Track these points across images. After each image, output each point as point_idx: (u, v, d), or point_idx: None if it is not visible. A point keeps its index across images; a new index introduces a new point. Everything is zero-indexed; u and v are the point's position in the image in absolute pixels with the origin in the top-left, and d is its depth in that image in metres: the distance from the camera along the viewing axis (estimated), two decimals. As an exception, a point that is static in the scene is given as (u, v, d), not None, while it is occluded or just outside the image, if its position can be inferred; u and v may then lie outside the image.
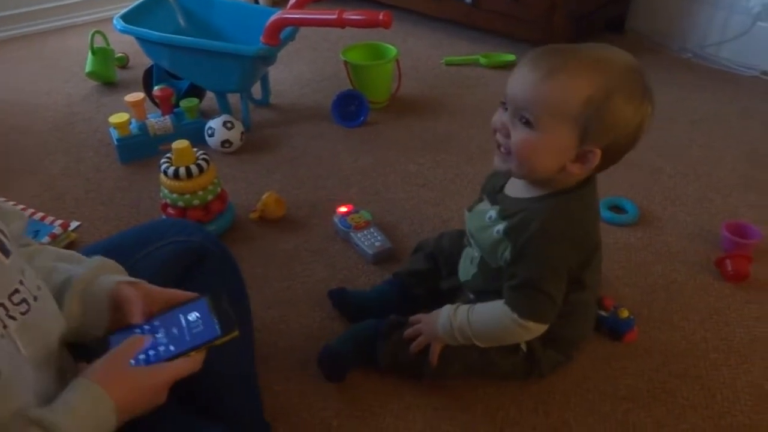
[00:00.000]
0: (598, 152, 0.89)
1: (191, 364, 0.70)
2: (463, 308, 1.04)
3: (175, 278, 0.90)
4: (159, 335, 0.72)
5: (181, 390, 0.86)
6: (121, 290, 0.75)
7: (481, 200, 1.09)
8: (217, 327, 0.71)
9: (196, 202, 1.39)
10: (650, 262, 1.39)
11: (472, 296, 1.11)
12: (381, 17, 1.56)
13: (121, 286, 0.75)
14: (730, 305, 1.28)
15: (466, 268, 1.11)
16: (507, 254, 0.97)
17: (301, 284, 1.34)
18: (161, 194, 1.42)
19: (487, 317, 1.01)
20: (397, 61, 1.99)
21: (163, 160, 1.40)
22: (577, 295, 1.02)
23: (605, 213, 1.50)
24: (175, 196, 1.39)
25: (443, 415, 1.07)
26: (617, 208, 1.54)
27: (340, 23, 1.60)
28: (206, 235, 0.98)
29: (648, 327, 1.22)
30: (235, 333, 0.71)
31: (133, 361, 0.68)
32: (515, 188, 1.02)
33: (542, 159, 0.92)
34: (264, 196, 1.51)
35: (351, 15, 1.59)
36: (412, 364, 1.08)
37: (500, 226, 0.97)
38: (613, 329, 1.19)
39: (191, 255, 0.93)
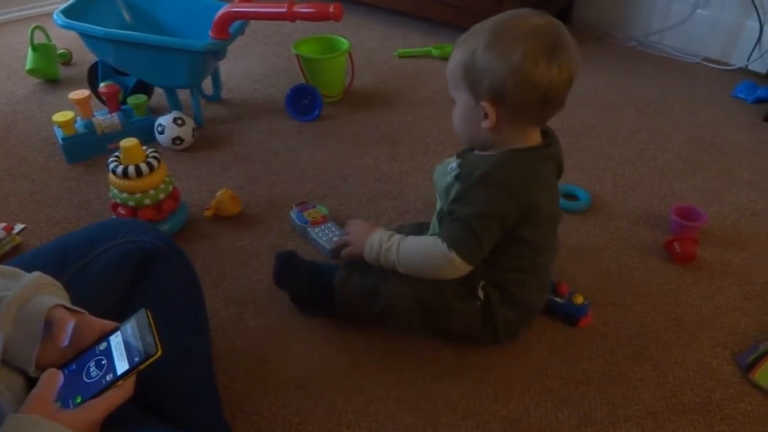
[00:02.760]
0: (488, 105, 0.97)
1: (122, 392, 0.69)
2: (398, 236, 1.11)
3: (127, 280, 0.88)
4: (92, 370, 0.71)
5: (139, 396, 0.85)
6: (55, 313, 0.71)
7: (451, 156, 1.16)
8: (141, 350, 0.70)
9: (147, 201, 1.36)
10: (603, 248, 1.42)
11: None
12: (331, 10, 1.54)
13: (56, 310, 0.72)
14: (679, 286, 1.32)
15: (433, 224, 1.17)
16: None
17: (258, 281, 1.32)
18: (111, 194, 1.39)
19: (419, 244, 1.08)
20: (350, 54, 1.98)
21: (111, 159, 1.37)
22: (528, 252, 1.07)
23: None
24: (125, 195, 1.36)
25: (405, 406, 1.07)
26: (570, 196, 1.57)
27: (291, 17, 1.58)
28: (158, 235, 0.95)
29: (602, 311, 1.25)
30: (158, 354, 0.69)
31: (60, 402, 0.67)
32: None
33: (463, 125, 1.05)
34: (218, 193, 1.48)
35: (301, 8, 1.57)
36: (365, 296, 1.11)
37: (455, 173, 1.06)
38: (569, 315, 1.21)
39: (143, 255, 0.90)
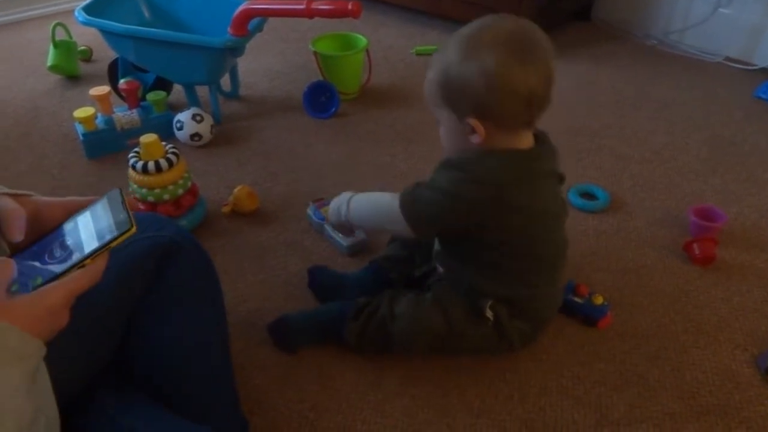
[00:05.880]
0: (474, 121, 0.95)
1: (89, 274, 0.61)
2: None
3: (147, 275, 0.88)
4: (55, 251, 0.63)
5: (157, 391, 0.86)
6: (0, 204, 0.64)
7: None
8: (113, 227, 0.63)
9: (166, 196, 1.37)
10: (621, 248, 1.41)
11: (441, 270, 1.15)
12: (350, 7, 1.55)
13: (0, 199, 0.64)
14: (698, 287, 1.31)
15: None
16: None
17: (275, 277, 1.33)
18: (130, 189, 1.40)
19: (376, 194, 1.13)
20: (367, 51, 1.98)
21: (131, 155, 1.38)
22: (526, 260, 1.05)
23: (577, 200, 1.53)
24: (144, 191, 1.37)
25: (420, 403, 1.08)
26: (588, 195, 1.56)
27: (309, 13, 1.59)
28: (178, 230, 0.96)
29: (620, 311, 1.25)
30: (132, 230, 0.62)
31: (18, 288, 0.59)
32: None
33: (449, 143, 1.05)
34: (236, 190, 1.49)
35: (320, 5, 1.57)
36: (378, 341, 1.11)
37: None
38: (588, 316, 1.20)
39: (163, 250, 0.91)
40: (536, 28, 0.94)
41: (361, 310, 1.12)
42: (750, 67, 2.21)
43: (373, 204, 1.13)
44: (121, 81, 1.75)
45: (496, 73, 0.90)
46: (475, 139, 0.97)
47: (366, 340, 1.11)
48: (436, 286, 1.14)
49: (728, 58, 2.27)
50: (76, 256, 0.62)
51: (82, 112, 1.66)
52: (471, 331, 1.08)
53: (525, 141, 1.00)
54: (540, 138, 1.03)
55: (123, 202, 0.66)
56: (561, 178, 1.08)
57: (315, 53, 1.96)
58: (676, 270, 1.35)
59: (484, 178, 0.97)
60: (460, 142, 1.00)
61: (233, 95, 2.01)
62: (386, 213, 1.06)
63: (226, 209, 1.50)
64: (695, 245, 1.36)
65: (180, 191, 1.39)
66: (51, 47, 2.05)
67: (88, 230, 0.64)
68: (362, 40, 1.99)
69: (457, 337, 1.09)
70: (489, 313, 1.07)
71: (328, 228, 1.41)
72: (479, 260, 1.07)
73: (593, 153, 1.75)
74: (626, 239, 1.44)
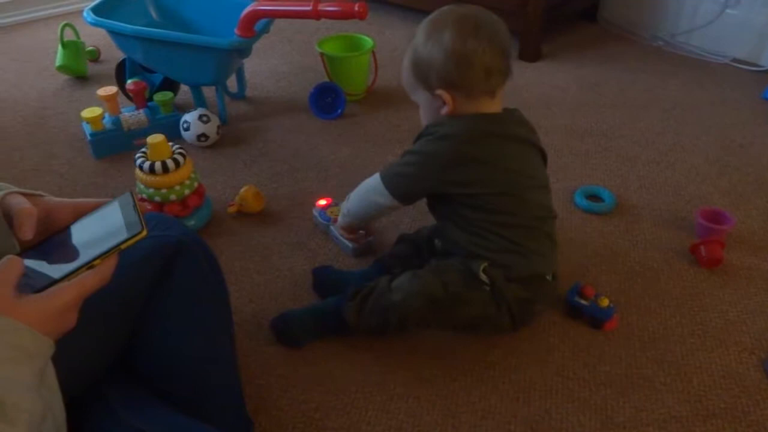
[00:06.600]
0: (442, 92, 1.08)
1: (98, 276, 0.61)
2: None
3: (154, 274, 0.89)
4: (64, 251, 0.64)
5: (163, 392, 0.86)
6: (9, 202, 0.65)
7: None
8: (123, 230, 0.63)
9: (173, 197, 1.38)
10: (627, 250, 1.41)
11: (438, 243, 1.23)
12: (356, 8, 1.55)
13: (10, 198, 0.65)
14: (705, 290, 1.30)
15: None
16: None
17: (281, 278, 1.33)
18: (137, 189, 1.41)
19: (364, 182, 1.24)
20: (374, 52, 1.99)
21: (138, 155, 1.39)
22: (503, 218, 1.10)
23: (583, 202, 1.52)
24: (151, 191, 1.38)
25: (425, 404, 1.07)
26: (594, 197, 1.56)
27: (316, 15, 1.59)
28: (184, 230, 0.96)
29: (626, 313, 1.24)
30: (143, 233, 0.62)
31: (28, 289, 0.59)
32: None
33: (426, 119, 1.17)
34: (242, 190, 1.50)
35: (326, 6, 1.57)
36: (376, 315, 1.11)
37: None
38: (594, 318, 1.20)
39: (169, 250, 0.91)
40: (489, 12, 1.09)
41: (359, 290, 1.14)
42: (757, 69, 2.20)
43: (361, 187, 1.25)
44: (129, 81, 1.76)
45: (453, 47, 1.04)
46: (445, 110, 1.10)
47: (365, 315, 1.12)
48: (434, 258, 1.18)
49: (735, 60, 2.26)
50: (85, 256, 0.62)
51: (90, 112, 1.67)
52: (467, 293, 1.09)
53: (491, 108, 1.11)
54: (510, 109, 1.15)
55: (135, 205, 0.66)
56: (542, 153, 1.18)
57: (321, 54, 1.96)
58: (683, 272, 1.35)
59: (447, 134, 1.09)
60: (435, 116, 1.13)
61: (240, 96, 2.02)
62: (372, 188, 1.20)
63: (232, 209, 1.50)
64: (702, 247, 1.35)
65: (186, 191, 1.40)
66: (59, 47, 2.06)
67: (99, 231, 0.65)
68: (368, 42, 2.00)
69: (453, 300, 1.09)
70: (483, 276, 1.09)
71: (333, 229, 1.41)
72: (463, 220, 1.12)
73: (600, 155, 1.74)
74: (632, 241, 1.44)
